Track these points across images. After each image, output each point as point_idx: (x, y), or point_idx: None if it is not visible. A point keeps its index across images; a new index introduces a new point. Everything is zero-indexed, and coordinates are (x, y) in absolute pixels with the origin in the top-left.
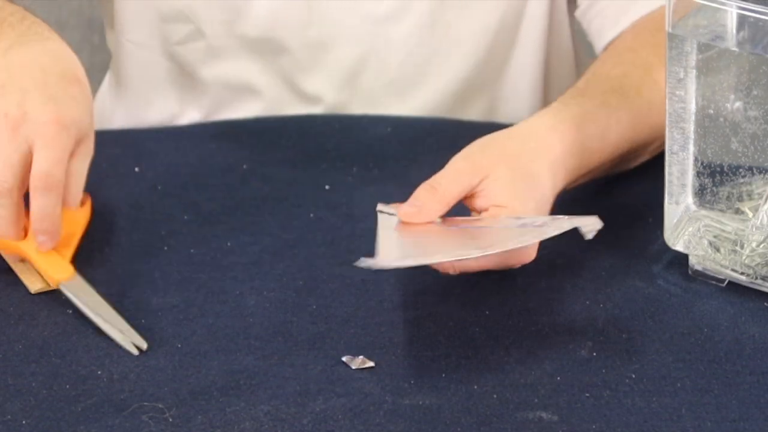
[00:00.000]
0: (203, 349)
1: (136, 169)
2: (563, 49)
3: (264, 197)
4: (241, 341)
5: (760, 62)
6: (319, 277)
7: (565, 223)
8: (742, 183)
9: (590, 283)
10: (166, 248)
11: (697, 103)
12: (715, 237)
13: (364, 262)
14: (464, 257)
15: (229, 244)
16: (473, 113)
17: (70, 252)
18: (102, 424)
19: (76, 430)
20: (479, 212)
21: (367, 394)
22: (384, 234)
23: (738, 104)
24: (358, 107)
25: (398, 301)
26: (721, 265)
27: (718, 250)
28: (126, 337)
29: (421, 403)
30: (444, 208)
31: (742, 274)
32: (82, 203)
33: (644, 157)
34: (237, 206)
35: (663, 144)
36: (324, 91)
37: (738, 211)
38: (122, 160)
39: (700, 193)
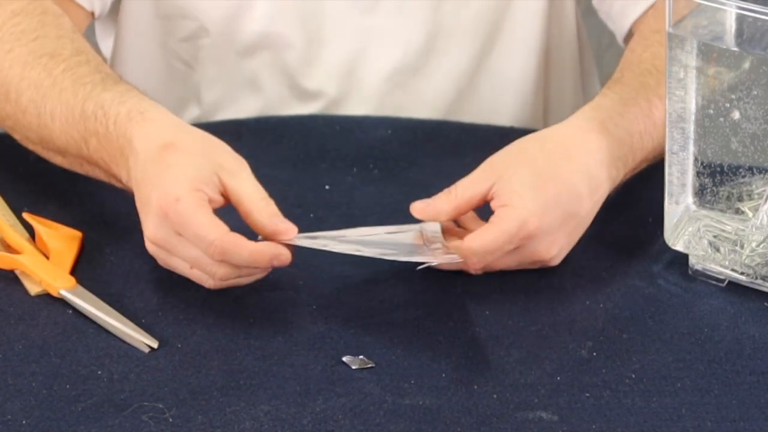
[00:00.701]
0: (203, 349)
1: None
2: (565, 42)
3: None
4: (241, 341)
5: (760, 62)
6: (319, 277)
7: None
8: (742, 183)
9: (590, 283)
10: None
11: (697, 103)
12: (715, 237)
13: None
14: (353, 252)
15: None
16: (474, 106)
17: (68, 265)
18: (102, 424)
19: (76, 430)
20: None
21: (367, 394)
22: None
23: (738, 104)
24: (357, 102)
25: (398, 301)
26: (721, 265)
27: (718, 250)
28: (137, 335)
29: (421, 403)
30: (454, 210)
31: (742, 274)
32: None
33: None
34: None
35: None
36: (323, 86)
37: (738, 211)
38: None
39: (700, 193)
